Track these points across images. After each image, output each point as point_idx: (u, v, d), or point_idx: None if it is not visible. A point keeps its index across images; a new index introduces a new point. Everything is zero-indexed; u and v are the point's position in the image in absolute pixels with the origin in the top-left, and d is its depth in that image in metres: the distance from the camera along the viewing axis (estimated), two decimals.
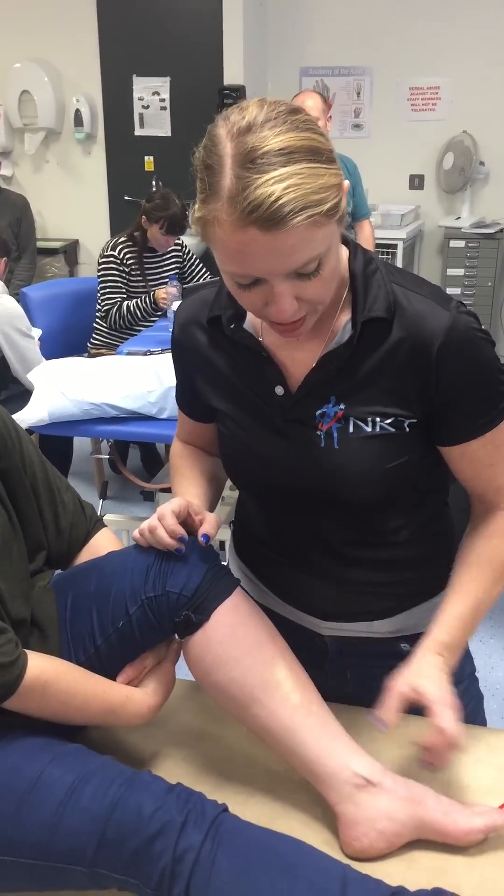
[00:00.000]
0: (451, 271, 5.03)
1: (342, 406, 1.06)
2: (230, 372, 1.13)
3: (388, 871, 0.97)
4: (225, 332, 1.11)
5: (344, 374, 1.05)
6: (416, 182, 5.31)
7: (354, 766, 1.02)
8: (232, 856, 0.92)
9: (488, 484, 1.11)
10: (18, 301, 3.34)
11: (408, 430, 1.06)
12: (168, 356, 2.97)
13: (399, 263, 4.90)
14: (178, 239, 3.93)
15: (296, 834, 0.99)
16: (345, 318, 1.05)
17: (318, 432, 1.07)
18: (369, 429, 1.05)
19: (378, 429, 1.05)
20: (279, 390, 1.09)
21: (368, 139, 5.28)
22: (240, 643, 1.08)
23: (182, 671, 1.16)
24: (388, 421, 1.05)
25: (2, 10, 5.33)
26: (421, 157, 5.23)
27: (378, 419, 1.05)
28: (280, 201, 0.84)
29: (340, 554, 1.16)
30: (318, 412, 1.07)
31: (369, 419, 1.05)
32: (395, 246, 4.88)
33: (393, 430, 1.05)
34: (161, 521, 1.10)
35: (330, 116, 3.76)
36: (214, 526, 1.12)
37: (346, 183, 0.93)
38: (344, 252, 1.06)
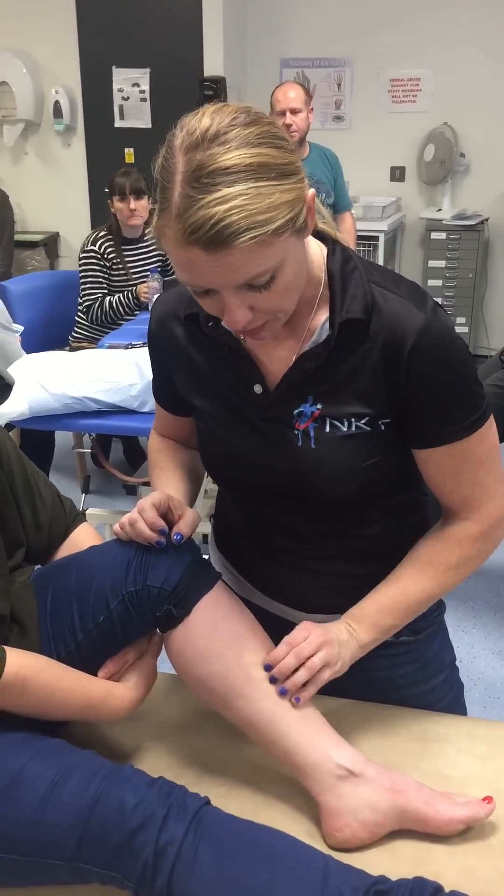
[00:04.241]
0: (432, 263, 5.04)
1: (319, 406, 1.06)
2: (208, 368, 1.13)
3: (370, 861, 0.98)
4: (203, 330, 1.10)
5: (321, 373, 1.05)
6: (398, 174, 5.31)
7: (336, 756, 1.03)
8: (214, 848, 0.92)
9: (452, 492, 1.11)
10: None
11: (383, 428, 1.06)
12: None
13: (380, 255, 4.91)
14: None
15: (278, 825, 0.99)
16: (322, 316, 1.05)
17: (296, 431, 1.07)
18: (345, 428, 1.06)
19: (354, 428, 1.06)
20: (257, 388, 1.08)
21: (349, 131, 5.27)
22: (221, 637, 1.08)
23: (164, 665, 1.16)
24: (364, 420, 1.05)
25: None
26: (402, 149, 5.24)
27: (354, 419, 1.05)
28: (222, 223, 0.83)
29: (317, 547, 1.16)
30: (296, 411, 1.07)
31: (345, 419, 1.06)
32: (376, 238, 4.88)
33: (368, 429, 1.06)
34: (141, 514, 1.09)
35: (312, 108, 3.75)
36: (191, 525, 1.12)
37: (311, 192, 0.92)
38: (322, 250, 1.05)
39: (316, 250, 1.04)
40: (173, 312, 1.14)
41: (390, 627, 1.13)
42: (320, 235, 1.06)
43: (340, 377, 1.05)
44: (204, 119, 0.87)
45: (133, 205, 3.67)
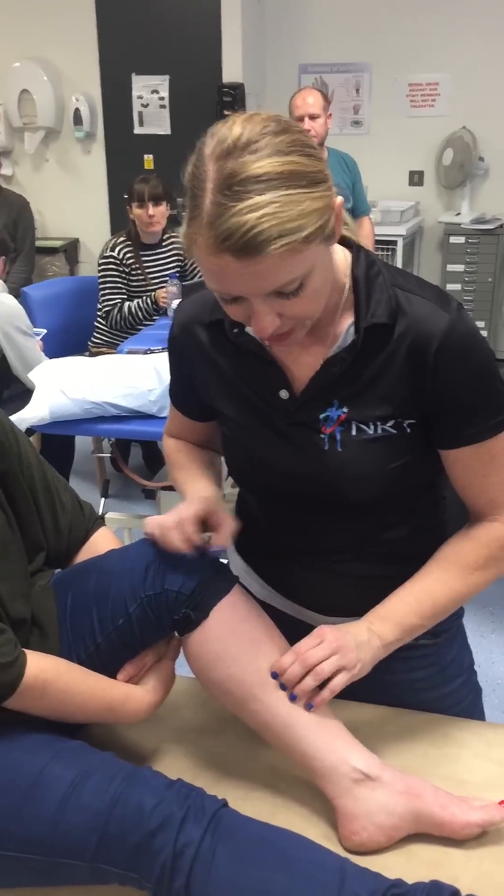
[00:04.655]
0: (451, 267, 5.02)
1: (345, 409, 1.07)
2: (233, 374, 1.13)
3: (387, 864, 0.98)
4: (228, 336, 1.11)
5: (347, 378, 1.06)
6: (416, 178, 5.31)
7: (353, 760, 1.03)
8: (231, 850, 0.93)
9: (479, 495, 1.11)
10: (18, 300, 3.35)
11: (408, 430, 1.07)
12: None
13: (399, 260, 4.90)
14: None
15: (295, 828, 1.00)
16: (347, 321, 1.06)
17: (322, 435, 1.08)
18: (371, 431, 1.07)
19: (380, 431, 1.06)
20: (283, 394, 1.09)
21: (368, 136, 5.28)
22: (238, 640, 1.09)
23: (182, 668, 1.17)
24: (390, 423, 1.06)
25: (1, 10, 5.33)
26: (420, 153, 5.23)
27: (379, 422, 1.06)
28: (254, 230, 0.84)
29: (339, 550, 1.17)
30: (322, 416, 1.08)
31: (371, 422, 1.06)
32: (394, 242, 4.88)
33: (394, 431, 1.07)
34: (181, 528, 1.09)
35: (330, 114, 3.75)
36: (230, 537, 1.12)
37: (339, 199, 0.93)
38: (346, 256, 1.06)
39: (340, 256, 1.05)
40: (197, 318, 1.15)
41: (415, 627, 1.12)
42: (343, 240, 1.07)
43: (366, 380, 1.06)
44: (235, 127, 0.88)
45: (151, 211, 3.70)
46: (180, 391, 1.25)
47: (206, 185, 0.87)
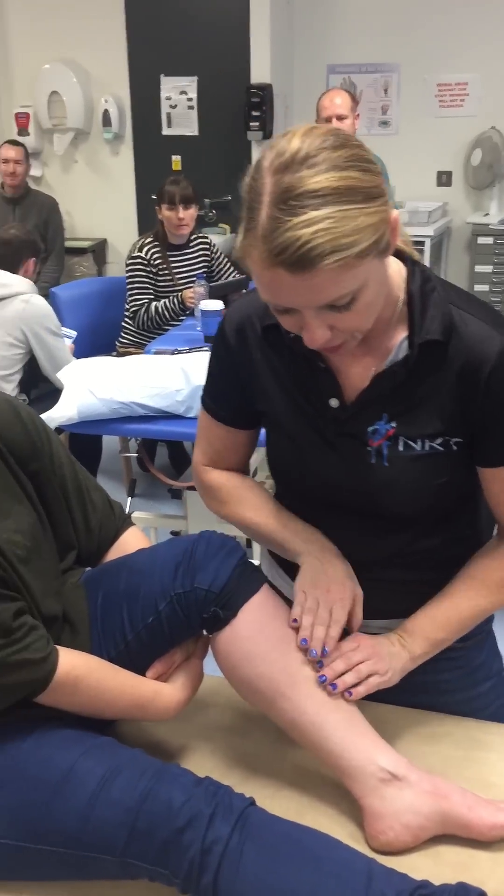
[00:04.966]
0: (479, 268, 4.99)
1: (393, 424, 1.07)
2: (286, 378, 1.13)
3: (414, 866, 0.99)
4: (283, 340, 1.10)
5: (398, 393, 1.06)
6: (444, 178, 5.28)
7: (380, 760, 1.04)
8: (259, 848, 0.94)
9: None
10: (47, 301, 3.38)
11: (455, 448, 1.07)
12: (196, 355, 2.98)
13: (426, 260, 4.88)
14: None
15: (322, 827, 1.01)
16: (400, 335, 1.06)
17: (369, 448, 1.08)
18: (419, 448, 1.07)
19: (427, 448, 1.07)
20: (334, 402, 1.09)
21: (396, 136, 5.26)
22: (267, 639, 1.10)
23: (210, 666, 1.18)
24: (438, 441, 1.07)
25: (31, 12, 5.38)
26: (449, 154, 5.20)
27: (427, 439, 1.07)
28: (308, 245, 0.85)
29: (373, 557, 1.17)
30: (370, 429, 1.08)
31: (419, 439, 1.07)
32: (422, 243, 4.85)
33: (441, 449, 1.07)
34: (329, 626, 1.10)
35: (358, 114, 3.75)
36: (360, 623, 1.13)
37: (395, 213, 0.93)
38: (400, 268, 1.06)
39: (394, 268, 1.05)
40: (251, 320, 1.14)
41: (442, 641, 1.14)
42: (398, 253, 1.06)
43: (417, 397, 1.06)
44: (294, 141, 0.89)
45: (181, 214, 3.71)
46: (223, 396, 1.21)
47: (263, 198, 0.88)
